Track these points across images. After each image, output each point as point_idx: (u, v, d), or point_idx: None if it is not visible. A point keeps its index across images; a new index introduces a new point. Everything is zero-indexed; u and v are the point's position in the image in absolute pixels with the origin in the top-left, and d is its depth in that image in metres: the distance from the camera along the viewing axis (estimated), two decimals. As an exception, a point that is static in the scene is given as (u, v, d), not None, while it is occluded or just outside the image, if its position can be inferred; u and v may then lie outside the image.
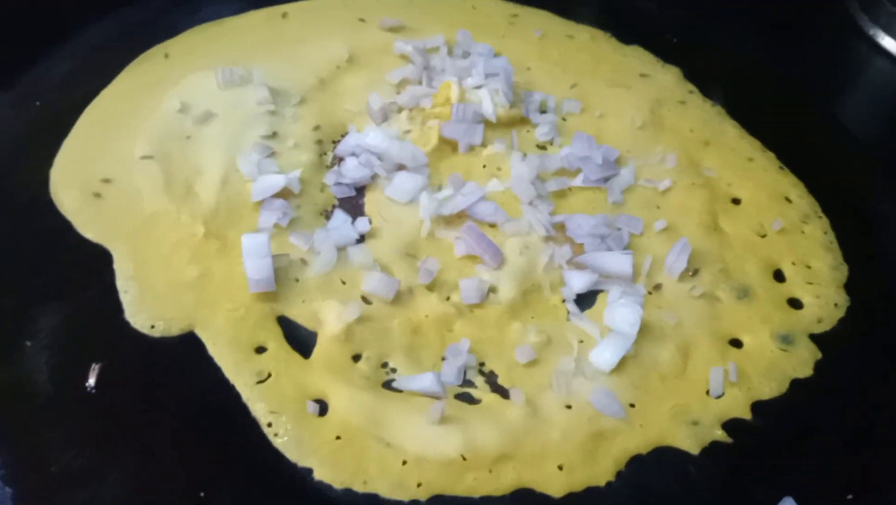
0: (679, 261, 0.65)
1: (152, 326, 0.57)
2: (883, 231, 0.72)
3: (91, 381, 0.54)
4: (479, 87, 0.77)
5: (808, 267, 0.68)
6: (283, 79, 0.75)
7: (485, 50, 0.81)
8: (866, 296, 0.66)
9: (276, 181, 0.66)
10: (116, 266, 0.60)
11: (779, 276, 0.67)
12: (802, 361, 0.61)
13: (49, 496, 0.49)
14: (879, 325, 0.64)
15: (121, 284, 0.59)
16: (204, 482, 0.50)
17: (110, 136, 0.68)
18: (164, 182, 0.66)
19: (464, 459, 0.53)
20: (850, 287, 0.66)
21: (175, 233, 0.63)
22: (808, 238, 0.70)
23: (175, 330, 0.57)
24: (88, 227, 0.62)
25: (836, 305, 0.65)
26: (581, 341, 0.60)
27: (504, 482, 0.52)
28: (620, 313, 0.60)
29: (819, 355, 0.62)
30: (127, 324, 0.57)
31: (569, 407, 0.56)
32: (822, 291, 0.66)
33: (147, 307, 0.58)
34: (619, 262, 0.64)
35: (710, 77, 0.83)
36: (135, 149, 0.68)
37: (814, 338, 0.63)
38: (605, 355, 0.59)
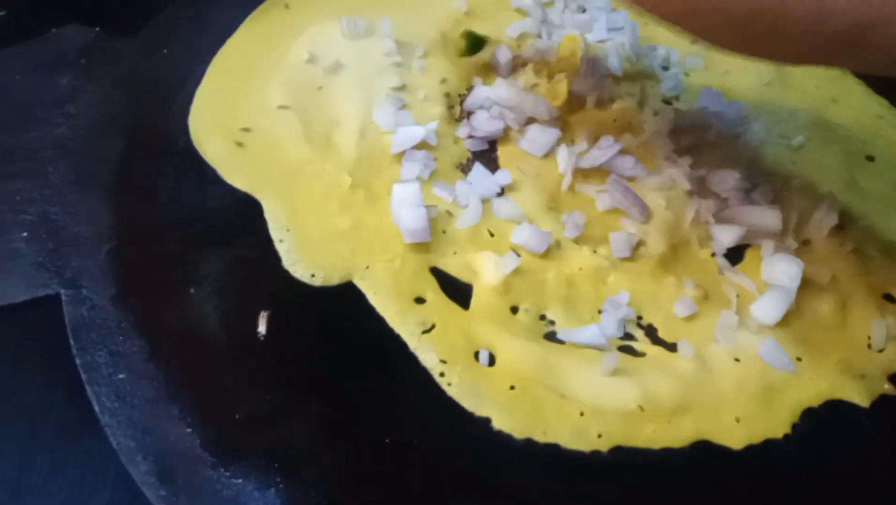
0: (829, 217, 0.64)
1: (312, 276, 0.56)
2: None
3: (262, 328, 0.53)
4: (602, 41, 0.75)
5: (951, 223, 0.67)
6: (405, 31, 0.74)
7: (604, 4, 0.80)
8: None
9: (416, 133, 0.65)
10: (268, 215, 0.59)
11: (922, 232, 0.66)
12: (957, 316, 0.60)
13: (237, 441, 0.48)
14: None
15: (275, 233, 0.58)
16: (386, 429, 0.50)
17: (243, 86, 0.67)
18: (304, 132, 0.64)
19: (642, 409, 0.52)
20: None
21: (322, 183, 0.62)
22: (947, 193, 0.69)
23: (335, 279, 0.57)
24: (236, 176, 0.61)
25: (983, 259, 0.64)
26: (738, 296, 0.60)
27: (683, 434, 0.52)
28: (780, 267, 0.59)
29: (973, 309, 0.61)
30: (287, 272, 0.56)
31: (737, 360, 0.56)
32: (967, 247, 0.65)
33: (304, 256, 0.57)
34: (767, 216, 0.63)
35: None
36: (270, 98, 0.66)
37: (966, 292, 0.62)
38: (767, 309, 0.58)
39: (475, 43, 0.71)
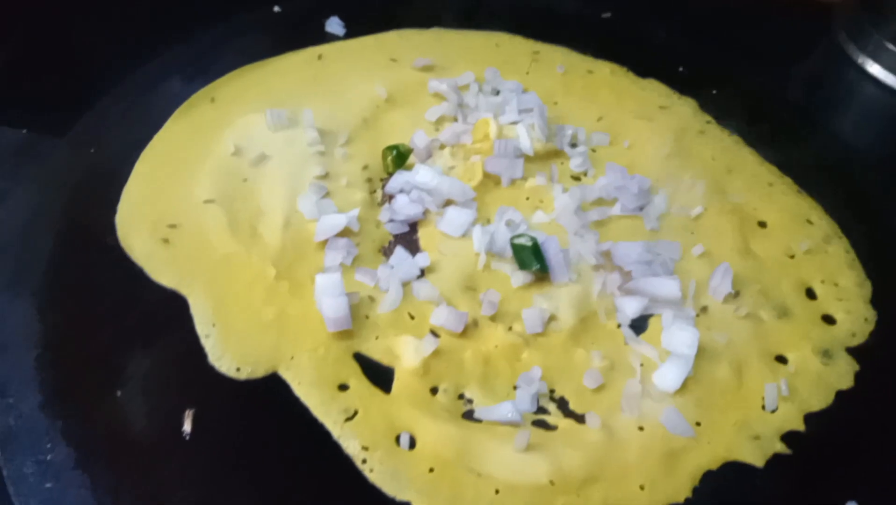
0: (724, 283, 0.69)
1: (238, 370, 0.59)
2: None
3: (187, 426, 0.55)
4: (514, 122, 0.80)
5: (836, 284, 0.72)
6: (328, 119, 0.78)
7: (514, 87, 0.85)
8: (891, 308, 0.71)
9: (339, 221, 0.68)
10: (194, 311, 0.62)
11: (811, 294, 0.72)
12: (844, 374, 0.65)
13: (163, 542, 0.50)
14: (908, 335, 0.69)
15: (200, 328, 0.61)
16: (308, 520, 0.52)
17: (170, 181, 0.70)
18: (230, 225, 0.67)
19: (552, 483, 0.56)
20: (875, 301, 0.71)
21: (247, 275, 0.64)
22: (832, 257, 0.75)
23: (260, 372, 0.59)
24: (162, 273, 0.63)
25: (865, 319, 0.70)
26: (642, 364, 0.64)
27: (592, 504, 0.55)
28: (678, 336, 0.64)
29: (857, 367, 0.66)
30: (212, 368, 0.58)
31: (641, 428, 0.60)
32: (852, 307, 0.71)
33: (230, 351, 0.60)
34: (667, 286, 0.68)
35: (723, 108, 0.88)
36: (196, 192, 0.69)
37: (850, 351, 0.67)
38: (668, 377, 0.62)
39: (400, 156, 0.75)
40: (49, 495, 0.50)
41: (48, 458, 0.52)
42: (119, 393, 0.56)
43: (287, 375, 0.59)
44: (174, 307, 0.62)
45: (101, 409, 0.55)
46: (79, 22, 0.77)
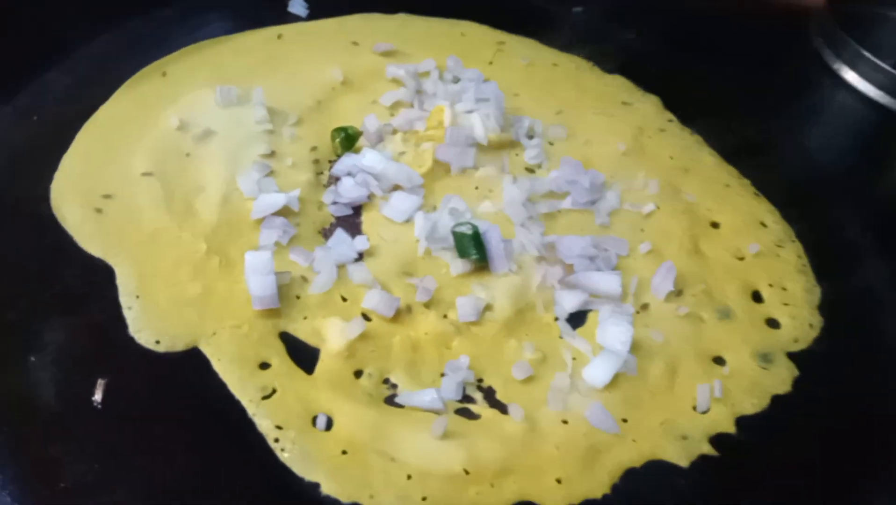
0: (665, 282, 0.68)
1: (157, 342, 0.58)
2: (852, 255, 0.76)
3: (97, 396, 0.54)
4: (470, 111, 0.79)
5: (784, 289, 0.71)
6: (280, 99, 0.77)
7: (475, 76, 0.84)
8: (838, 317, 0.70)
9: (277, 200, 0.67)
10: (119, 282, 0.61)
11: (757, 297, 0.71)
12: (781, 379, 0.64)
13: (57, 511, 0.49)
14: (851, 344, 0.68)
15: (124, 300, 0.60)
16: (212, 497, 0.51)
17: (110, 152, 0.69)
18: (165, 199, 0.67)
19: (466, 472, 0.55)
20: (823, 309, 0.70)
21: (177, 249, 0.64)
22: (783, 262, 0.74)
23: (180, 346, 0.58)
24: (91, 242, 0.63)
25: (811, 325, 0.69)
26: (574, 358, 0.63)
27: (505, 496, 0.54)
28: (611, 332, 0.63)
29: (797, 373, 0.65)
30: (132, 339, 0.58)
31: (565, 422, 0.59)
32: (798, 312, 0.69)
33: (151, 323, 0.59)
34: (608, 282, 0.67)
35: (687, 106, 0.87)
36: (135, 165, 0.68)
37: (791, 356, 0.66)
38: (598, 372, 0.61)
39: (348, 139, 0.74)
40: (-54, 456, 0.49)
41: (-52, 419, 0.51)
42: (33, 359, 0.55)
43: (207, 351, 0.58)
44: (100, 278, 0.61)
45: (12, 373, 0.54)
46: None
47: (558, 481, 0.55)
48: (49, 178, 0.66)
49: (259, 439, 0.54)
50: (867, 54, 0.96)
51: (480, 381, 0.61)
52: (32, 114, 0.71)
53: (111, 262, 0.62)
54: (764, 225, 0.77)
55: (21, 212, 0.64)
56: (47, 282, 0.60)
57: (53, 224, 0.63)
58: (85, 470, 0.50)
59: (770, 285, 0.71)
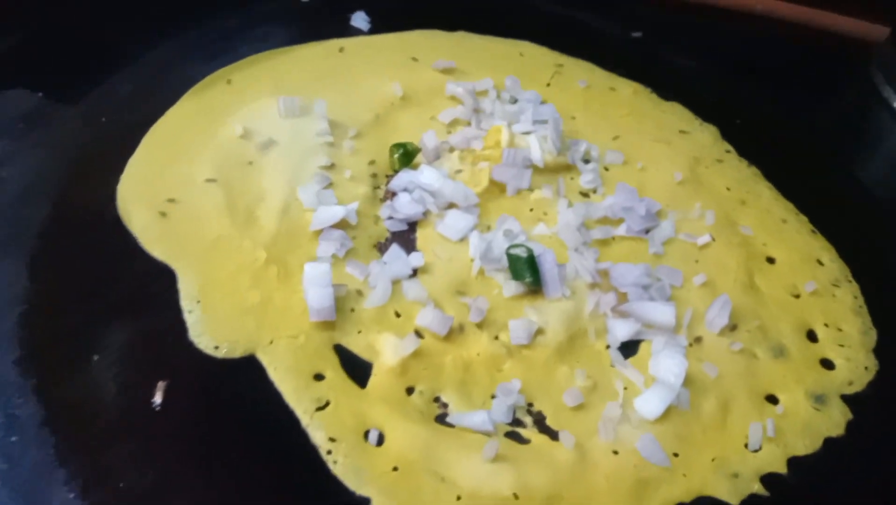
0: (720, 316, 0.67)
1: (216, 347, 0.59)
2: (909, 298, 0.75)
3: (157, 398, 0.55)
4: (527, 133, 0.80)
5: (840, 330, 0.70)
6: (340, 111, 0.78)
7: (532, 97, 0.84)
8: (894, 360, 0.68)
9: (336, 212, 0.68)
10: (181, 286, 0.62)
11: (811, 336, 0.70)
12: (835, 421, 0.63)
13: (117, 512, 0.50)
14: (908, 389, 0.67)
15: (185, 304, 0.61)
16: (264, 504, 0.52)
17: (175, 157, 0.71)
18: (227, 206, 0.68)
19: (516, 497, 0.54)
20: (878, 352, 0.69)
21: (238, 257, 0.65)
22: (839, 302, 0.72)
23: (238, 353, 0.59)
24: (155, 245, 0.64)
25: (866, 368, 0.68)
26: (626, 388, 0.62)
27: (554, 523, 0.54)
28: (666, 364, 0.62)
29: (850, 416, 0.64)
30: (191, 343, 0.59)
31: (615, 452, 0.58)
32: (853, 354, 0.68)
33: (211, 329, 0.60)
34: (662, 312, 0.67)
35: (744, 137, 0.87)
36: (199, 171, 0.70)
37: (845, 399, 0.65)
38: (650, 404, 0.61)
39: (406, 155, 0.75)
40: (13, 449, 0.51)
41: (17, 413, 0.52)
42: (96, 358, 0.56)
43: (264, 359, 0.59)
44: (162, 281, 0.62)
45: (76, 372, 0.55)
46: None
47: (607, 513, 0.55)
48: (115, 181, 0.68)
49: (312, 450, 0.55)
50: (928, 91, 0.95)
51: (531, 405, 0.61)
52: (100, 116, 0.73)
53: (174, 266, 0.63)
54: (821, 263, 0.76)
55: (88, 213, 0.65)
56: (113, 282, 0.61)
57: (119, 227, 0.65)
58: (144, 472, 0.52)
59: (826, 325, 0.70)
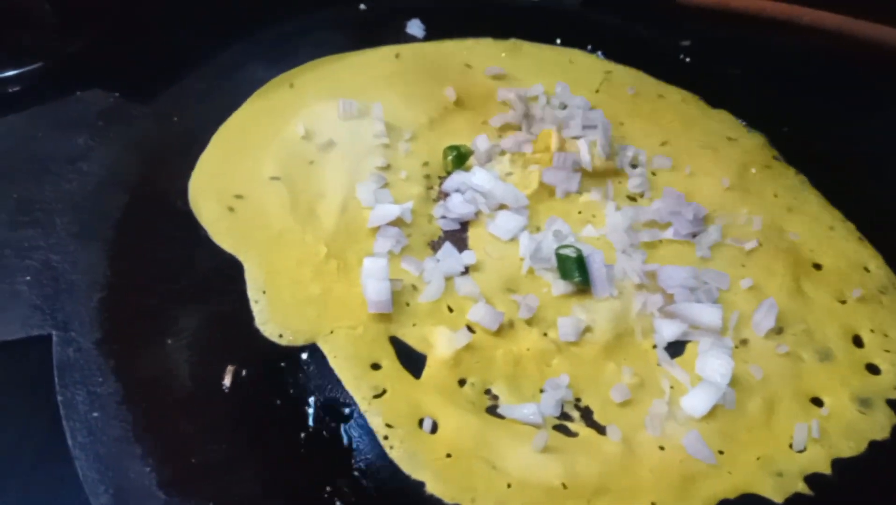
0: (767, 319, 0.68)
1: (280, 336, 0.62)
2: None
3: (226, 380, 0.58)
4: (577, 137, 0.82)
5: (886, 336, 0.71)
6: (396, 115, 0.81)
7: (582, 103, 0.86)
8: (941, 368, 0.69)
9: (392, 210, 0.71)
10: (248, 276, 0.65)
11: (857, 341, 0.70)
12: (880, 425, 0.64)
13: (189, 484, 0.53)
14: (954, 396, 0.67)
15: (251, 293, 0.64)
16: (324, 483, 0.55)
17: (242, 155, 0.74)
18: (291, 202, 0.71)
19: (564, 487, 0.57)
20: (925, 358, 0.70)
21: (300, 251, 0.68)
22: (886, 308, 0.73)
23: (300, 341, 0.62)
24: (224, 237, 0.68)
25: (912, 374, 0.68)
26: (672, 387, 0.64)
27: (601, 513, 0.56)
28: (712, 364, 0.64)
29: (896, 420, 0.65)
30: (258, 330, 0.62)
31: (662, 448, 0.60)
32: (899, 360, 0.69)
33: (275, 317, 0.63)
34: (709, 314, 0.68)
35: (792, 145, 0.87)
36: (264, 169, 0.73)
37: (890, 403, 0.66)
38: (696, 402, 0.62)
39: (460, 157, 0.77)
40: (94, 424, 0.54)
41: (98, 390, 0.56)
42: (169, 341, 0.60)
43: (325, 347, 0.62)
44: (230, 271, 0.66)
45: (151, 353, 0.59)
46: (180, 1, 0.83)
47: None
48: (187, 176, 0.72)
49: (370, 434, 0.58)
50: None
51: (578, 400, 0.63)
52: (172, 115, 0.77)
53: (241, 257, 0.66)
54: (867, 270, 0.76)
55: (162, 205, 0.69)
56: (185, 271, 0.65)
57: (190, 219, 0.68)
58: (215, 448, 0.55)
59: (872, 331, 0.71)
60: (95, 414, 0.55)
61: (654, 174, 0.83)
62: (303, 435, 0.57)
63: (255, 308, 0.63)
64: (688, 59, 0.97)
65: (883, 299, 0.74)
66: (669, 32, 1.00)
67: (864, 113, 0.98)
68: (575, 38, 0.96)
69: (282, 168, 0.74)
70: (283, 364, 0.61)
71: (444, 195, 0.77)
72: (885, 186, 0.86)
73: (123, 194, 0.69)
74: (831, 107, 0.95)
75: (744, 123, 0.90)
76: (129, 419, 0.55)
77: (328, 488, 0.54)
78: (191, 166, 0.72)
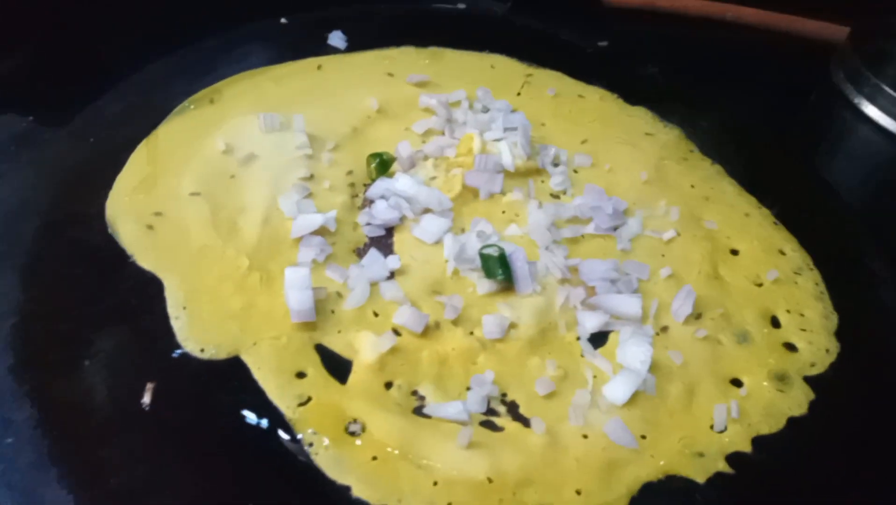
0: (685, 305, 0.70)
1: (201, 350, 0.62)
2: (869, 283, 0.78)
3: (146, 398, 0.58)
4: (498, 139, 0.83)
5: (802, 315, 0.73)
6: (319, 126, 0.81)
7: (503, 106, 0.88)
8: (854, 343, 0.71)
9: (315, 220, 0.71)
10: (168, 294, 0.65)
11: (774, 322, 0.73)
12: (798, 401, 0.66)
13: (109, 507, 0.52)
14: (867, 369, 0.70)
15: (172, 311, 0.64)
16: (251, 495, 0.54)
17: (160, 173, 0.74)
18: (211, 217, 0.71)
19: (490, 481, 0.57)
20: (840, 335, 0.72)
21: (221, 265, 0.68)
22: (801, 289, 0.76)
23: (223, 354, 0.62)
24: (143, 257, 0.67)
25: (827, 350, 0.71)
26: (595, 376, 0.65)
27: (526, 504, 0.57)
28: (632, 351, 0.65)
29: (813, 396, 0.67)
30: (178, 346, 0.61)
31: (585, 437, 0.61)
32: (815, 338, 0.71)
33: (196, 333, 0.63)
34: (629, 304, 0.70)
35: (708, 138, 0.90)
36: (183, 185, 0.73)
37: (808, 380, 0.68)
38: (617, 390, 0.63)
39: (383, 164, 0.78)
40: (8, 450, 0.53)
41: (11, 416, 0.55)
42: (87, 363, 0.59)
43: (248, 360, 0.62)
44: (150, 290, 0.65)
45: (67, 376, 0.58)
46: (92, 20, 0.82)
47: (578, 493, 0.58)
48: (104, 197, 0.71)
49: (295, 443, 0.57)
50: (887, 89, 0.99)
51: (504, 395, 0.64)
52: (88, 136, 0.76)
53: (160, 276, 0.66)
54: (783, 253, 0.79)
55: (78, 228, 0.68)
56: (103, 292, 0.64)
57: (108, 240, 0.68)
58: (134, 471, 0.54)
59: (788, 311, 0.73)
60: (9, 440, 0.54)
61: (575, 172, 0.84)
62: (227, 449, 0.57)
63: (176, 325, 0.63)
64: (606, 60, 1.00)
65: (798, 280, 0.77)
66: (589, 34, 1.03)
67: (782, 104, 1.02)
68: (495, 45, 0.97)
69: (202, 184, 0.73)
70: (204, 379, 0.60)
71: (369, 202, 0.77)
72: (799, 173, 0.90)
73: (37, 218, 0.68)
74: (749, 100, 0.98)
75: (661, 119, 0.92)
76: (44, 445, 0.54)
77: (253, 501, 0.54)
78: (108, 187, 0.72)
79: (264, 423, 0.58)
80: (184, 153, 0.76)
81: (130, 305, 0.64)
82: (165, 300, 0.64)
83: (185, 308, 0.64)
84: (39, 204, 0.69)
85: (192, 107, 0.82)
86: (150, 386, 0.58)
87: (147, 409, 0.57)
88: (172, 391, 0.59)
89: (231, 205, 0.73)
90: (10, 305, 0.61)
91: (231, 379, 0.61)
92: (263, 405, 0.59)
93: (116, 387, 0.58)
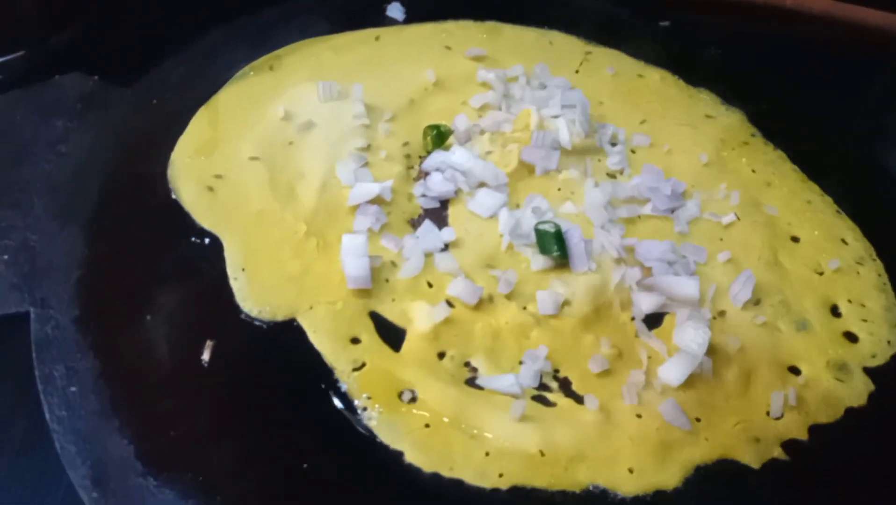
0: (744, 291, 0.69)
1: (259, 311, 0.62)
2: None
3: (205, 356, 0.59)
4: (556, 116, 0.82)
5: (863, 305, 0.71)
6: (376, 96, 0.81)
7: (561, 83, 0.87)
8: (917, 336, 0.70)
9: (372, 189, 0.71)
10: (227, 254, 0.66)
11: (835, 311, 0.71)
12: (857, 392, 0.65)
13: (168, 456, 0.53)
14: (930, 363, 0.68)
15: (231, 271, 0.65)
16: (302, 457, 0.55)
17: (221, 137, 0.75)
18: (270, 182, 0.71)
19: (542, 454, 0.57)
20: (902, 327, 0.70)
21: (279, 229, 0.68)
22: (862, 279, 0.74)
23: (280, 316, 0.63)
24: (203, 217, 0.68)
25: (888, 342, 0.69)
26: (650, 357, 0.64)
27: (578, 479, 0.56)
28: (689, 334, 0.64)
29: (872, 387, 0.65)
30: (237, 307, 0.62)
31: (639, 416, 0.61)
32: (876, 329, 0.70)
33: (254, 294, 0.63)
34: (686, 286, 0.68)
35: (771, 122, 0.88)
36: (243, 150, 0.74)
37: (867, 371, 0.66)
38: (673, 371, 0.63)
39: (440, 136, 0.78)
40: (71, 398, 0.55)
41: (76, 366, 0.56)
42: (148, 318, 0.60)
43: (304, 323, 0.62)
44: (210, 250, 0.66)
45: (130, 329, 0.59)
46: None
47: (630, 471, 0.57)
48: (167, 156, 0.72)
49: (350, 406, 0.58)
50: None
51: (557, 371, 0.63)
52: (151, 99, 0.77)
53: (220, 235, 0.67)
54: (845, 242, 0.77)
55: (141, 187, 0.70)
56: (165, 249, 0.65)
57: (170, 200, 0.69)
58: (193, 422, 0.55)
59: (849, 301, 0.72)
60: (73, 389, 0.55)
61: (633, 152, 0.83)
62: (282, 408, 0.57)
63: (235, 285, 0.64)
64: (667, 41, 0.98)
65: (860, 270, 0.75)
66: (649, 14, 1.01)
67: (843, 91, 0.99)
68: (555, 21, 0.96)
69: (261, 149, 0.74)
70: (262, 339, 0.61)
71: (425, 174, 0.77)
72: (863, 162, 0.87)
73: (102, 176, 0.69)
74: (813, 87, 0.95)
75: (723, 102, 0.90)
76: (106, 394, 0.55)
77: (307, 460, 0.55)
78: (170, 148, 0.73)
79: (319, 385, 0.59)
80: (243, 118, 0.77)
81: (191, 264, 0.65)
82: (225, 261, 0.65)
83: (244, 269, 0.65)
84: (104, 162, 0.70)
85: (251, 73, 0.82)
86: (209, 343, 0.59)
87: (206, 365, 0.58)
88: (231, 349, 0.60)
89: (289, 171, 0.73)
90: (76, 260, 0.63)
91: (287, 341, 0.61)
92: (318, 368, 0.60)
93: (177, 342, 0.60)
